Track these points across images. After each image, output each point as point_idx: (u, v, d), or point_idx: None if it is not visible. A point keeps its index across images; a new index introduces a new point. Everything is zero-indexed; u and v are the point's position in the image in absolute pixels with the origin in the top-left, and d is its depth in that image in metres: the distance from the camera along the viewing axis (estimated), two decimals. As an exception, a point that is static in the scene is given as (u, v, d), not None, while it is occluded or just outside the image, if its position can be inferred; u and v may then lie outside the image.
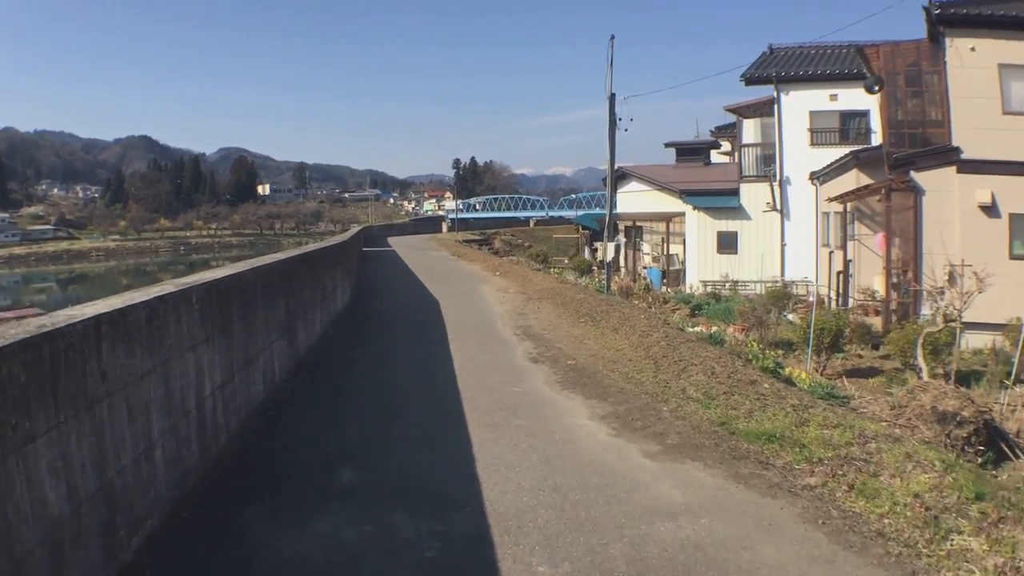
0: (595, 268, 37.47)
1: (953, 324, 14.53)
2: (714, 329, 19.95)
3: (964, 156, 20.74)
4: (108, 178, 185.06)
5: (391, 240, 59.58)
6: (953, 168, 20.85)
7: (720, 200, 34.53)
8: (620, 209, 43.19)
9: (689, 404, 8.38)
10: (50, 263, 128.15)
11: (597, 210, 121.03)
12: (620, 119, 24.39)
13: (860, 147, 27.68)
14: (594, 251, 45.84)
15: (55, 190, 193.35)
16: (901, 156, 21.50)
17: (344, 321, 15.19)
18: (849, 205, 25.32)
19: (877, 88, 22.72)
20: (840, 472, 6.33)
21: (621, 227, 42.40)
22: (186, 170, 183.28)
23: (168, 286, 5.69)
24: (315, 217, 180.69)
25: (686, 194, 35.11)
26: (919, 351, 13.58)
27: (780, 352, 17.64)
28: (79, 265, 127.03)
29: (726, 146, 46.23)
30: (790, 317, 23.94)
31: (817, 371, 15.87)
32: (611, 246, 23.72)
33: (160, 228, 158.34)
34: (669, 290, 32.62)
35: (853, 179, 24.81)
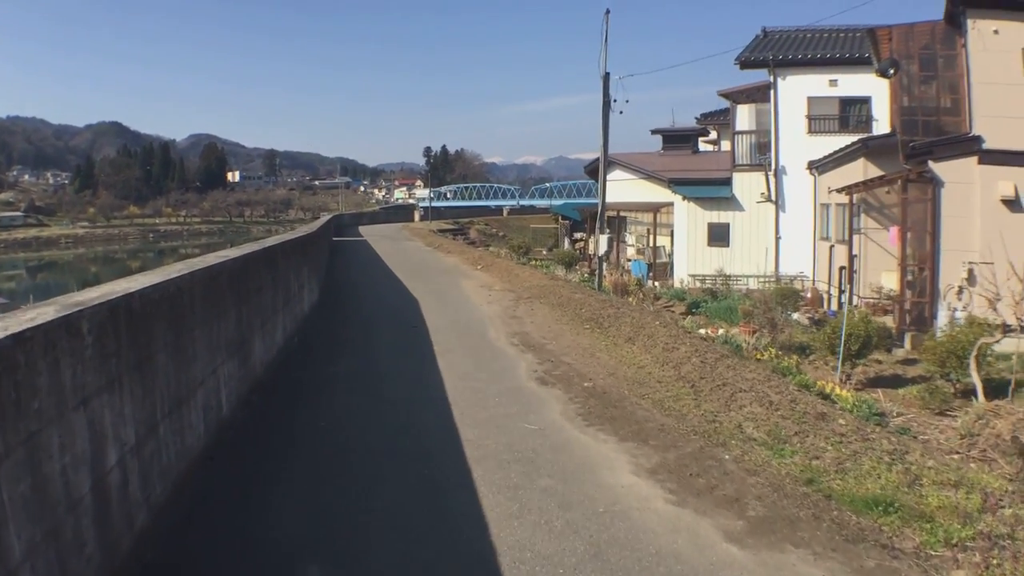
0: (580, 261, 35.68)
1: (1013, 333, 12.82)
2: (720, 331, 18.32)
3: (985, 146, 19.19)
4: (78, 164, 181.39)
5: (363, 229, 57.33)
6: (974, 159, 19.29)
7: (711, 189, 32.88)
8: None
9: (755, 450, 6.60)
10: (19, 250, 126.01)
11: (576, 199, 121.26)
12: (615, 100, 22.51)
13: (867, 135, 26.32)
14: (574, 242, 44.00)
15: (26, 176, 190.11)
16: (919, 145, 19.86)
17: (312, 326, 13.16)
18: (856, 197, 23.80)
19: (893, 72, 21.10)
20: (994, 561, 4.61)
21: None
22: (156, 156, 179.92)
23: (47, 310, 3.78)
24: (285, 205, 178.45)
25: (675, 183, 33.43)
26: (973, 367, 11.84)
27: (795, 357, 16.03)
28: (48, 252, 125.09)
29: (712, 134, 44.67)
30: (795, 316, 22.38)
31: (844, 382, 14.23)
32: (603, 239, 21.85)
33: (129, 215, 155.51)
34: (656, 284, 30.95)
35: (860, 169, 23.40)
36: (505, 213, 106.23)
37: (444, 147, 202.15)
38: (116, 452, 4.20)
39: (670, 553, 4.60)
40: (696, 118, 48.29)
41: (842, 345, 15.19)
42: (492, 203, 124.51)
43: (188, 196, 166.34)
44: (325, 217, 42.22)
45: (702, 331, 16.78)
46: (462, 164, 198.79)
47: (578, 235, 44.26)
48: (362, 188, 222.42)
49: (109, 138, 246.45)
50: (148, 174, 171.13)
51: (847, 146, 24.50)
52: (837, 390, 11.79)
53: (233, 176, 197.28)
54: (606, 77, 22.35)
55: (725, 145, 43.05)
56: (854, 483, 5.69)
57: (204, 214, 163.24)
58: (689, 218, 32.96)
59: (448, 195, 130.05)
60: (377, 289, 19.09)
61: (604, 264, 22.62)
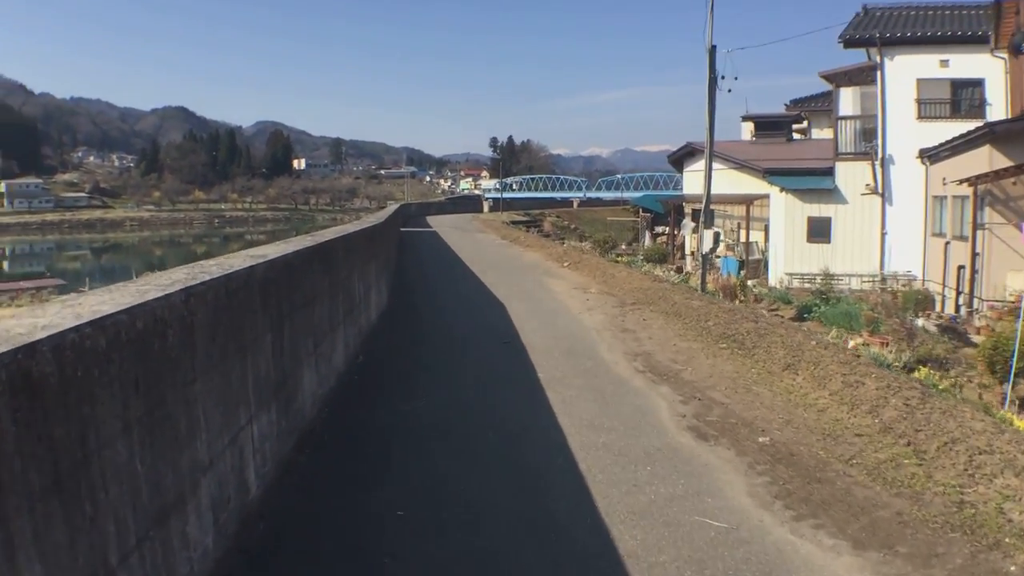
0: (671, 257, 32.84)
1: None
2: (860, 342, 15.59)
3: None
4: (143, 148, 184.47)
5: (431, 220, 55.05)
6: None
7: (812, 181, 29.80)
8: (686, 190, 38.52)
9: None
10: (84, 231, 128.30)
11: (644, 191, 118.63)
12: (723, 77, 19.68)
13: (984, 120, 23.37)
14: (655, 236, 41.12)
15: (91, 158, 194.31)
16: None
17: (380, 341, 10.64)
18: (980, 188, 20.88)
19: (1025, 47, 18.03)
20: None
21: (688, 210, 37.70)
22: (222, 142, 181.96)
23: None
24: (350, 193, 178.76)
25: (771, 174, 30.45)
26: None
27: (936, 374, 13.27)
28: (113, 234, 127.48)
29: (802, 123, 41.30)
30: (920, 323, 19.47)
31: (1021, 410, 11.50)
32: (709, 235, 19.08)
33: (195, 200, 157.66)
34: (750, 283, 28.05)
35: (984, 157, 20.53)
36: (575, 205, 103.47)
37: (511, 138, 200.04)
38: None
39: None
40: (786, 104, 44.94)
41: (1013, 363, 12.55)
42: (558, 195, 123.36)
43: (254, 183, 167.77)
44: (392, 206, 40.05)
45: (829, 338, 14.10)
46: (528, 155, 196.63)
47: (660, 229, 41.36)
48: (428, 178, 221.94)
49: (175, 123, 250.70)
50: (214, 159, 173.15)
51: (968, 132, 21.68)
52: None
53: (299, 164, 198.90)
54: (712, 50, 19.60)
55: (816, 133, 39.87)
56: None
57: (269, 201, 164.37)
58: (787, 212, 30.00)
59: (514, 186, 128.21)
60: (455, 290, 16.55)
61: (708, 264, 19.84)
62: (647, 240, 40.03)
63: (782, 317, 19.52)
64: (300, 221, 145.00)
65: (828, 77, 31.69)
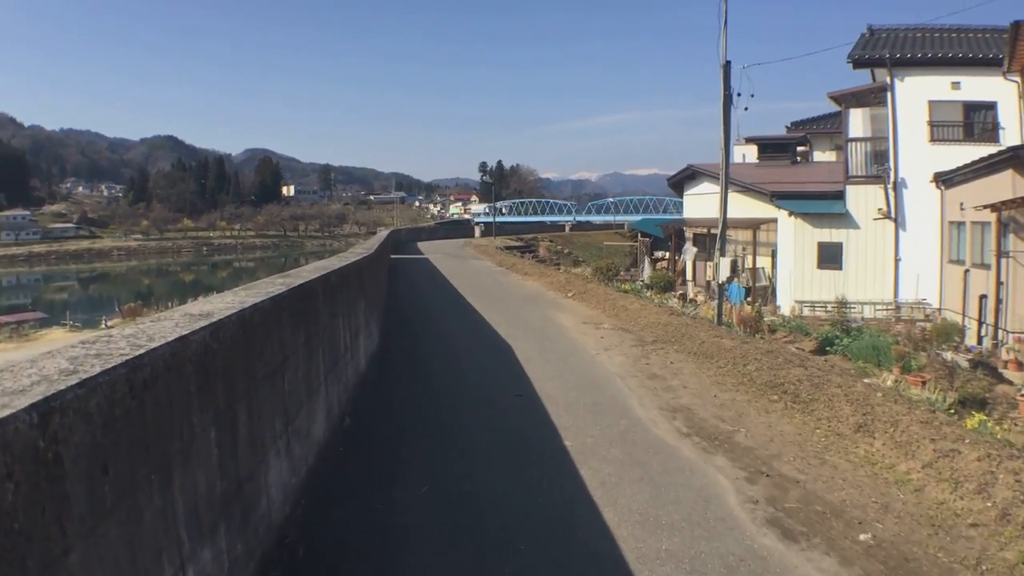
0: (675, 284, 31.37)
1: None
2: (924, 392, 14.16)
3: None
4: (132, 177, 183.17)
5: (422, 246, 53.44)
6: None
7: (822, 205, 28.65)
8: (688, 214, 37.22)
9: None
10: (71, 262, 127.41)
11: (636, 215, 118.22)
12: (739, 94, 18.36)
13: (1002, 145, 22.93)
14: (655, 261, 39.72)
15: (80, 188, 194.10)
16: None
17: (369, 398, 8.95)
18: (1004, 214, 19.82)
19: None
20: None
21: (689, 234, 36.38)
22: (210, 170, 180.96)
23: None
24: (340, 219, 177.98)
25: (778, 197, 29.30)
26: None
27: (977, 414, 11.91)
28: (100, 264, 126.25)
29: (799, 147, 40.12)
30: (948, 356, 18.13)
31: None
32: (725, 263, 17.58)
33: (183, 228, 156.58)
34: (760, 311, 26.69)
35: (1008, 183, 19.55)
36: (567, 229, 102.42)
37: (500, 163, 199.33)
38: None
39: None
40: (787, 127, 43.92)
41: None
42: (547, 219, 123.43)
43: (242, 210, 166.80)
44: (383, 232, 38.54)
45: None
46: (518, 179, 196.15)
47: (659, 253, 39.97)
48: (417, 203, 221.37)
49: (164, 152, 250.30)
50: (202, 187, 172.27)
51: (989, 156, 20.87)
52: None
53: (288, 190, 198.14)
54: (726, 66, 18.27)
55: (818, 156, 38.76)
56: None
57: (258, 228, 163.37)
58: (796, 237, 28.82)
59: (504, 210, 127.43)
60: (454, 327, 14.84)
61: (723, 294, 18.35)
62: (646, 266, 38.64)
63: (802, 350, 18.16)
64: (289, 248, 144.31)
65: (837, 98, 30.61)
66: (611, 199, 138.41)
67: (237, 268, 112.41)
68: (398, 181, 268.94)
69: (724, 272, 17.38)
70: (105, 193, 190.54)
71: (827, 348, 19.12)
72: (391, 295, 19.96)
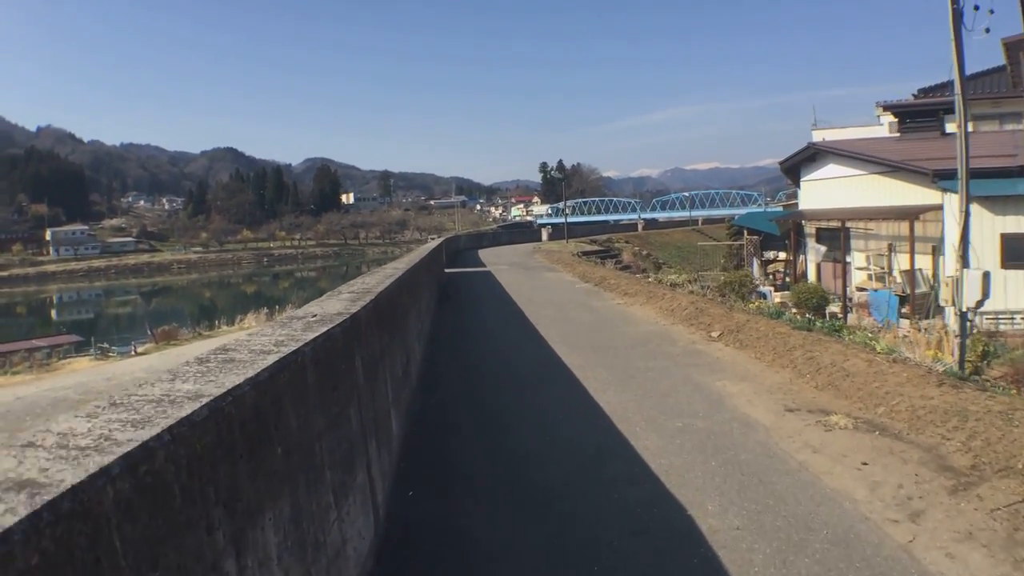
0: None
1: None
2: None
3: None
4: (191, 189, 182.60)
5: (483, 254, 46.84)
6: None
7: (1002, 185, 21.74)
8: (806, 204, 30.38)
9: None
10: (131, 276, 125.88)
11: (700, 211, 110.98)
12: (976, 7, 11.79)
13: None
14: (765, 264, 32.89)
15: (141, 202, 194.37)
16: None
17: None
18: None
19: None
20: None
21: (810, 229, 29.49)
22: (269, 180, 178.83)
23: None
24: (400, 225, 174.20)
25: (942, 177, 22.29)
26: None
27: None
28: (160, 278, 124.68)
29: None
30: None
31: None
32: (976, 276, 10.76)
33: (242, 239, 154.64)
34: (917, 325, 19.89)
35: None
36: (640, 228, 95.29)
37: (560, 162, 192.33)
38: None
39: None
40: (914, 94, 36.67)
41: None
42: (611, 217, 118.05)
43: (302, 219, 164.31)
44: (433, 242, 32.34)
45: None
46: (580, 179, 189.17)
47: (769, 254, 33.05)
48: (478, 207, 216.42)
49: (224, 164, 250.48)
50: (261, 198, 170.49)
51: None
52: None
53: (348, 198, 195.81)
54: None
55: (949, 127, 31.48)
56: None
57: (319, 237, 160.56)
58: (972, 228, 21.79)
59: (568, 211, 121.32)
60: (541, 417, 8.08)
61: (967, 324, 11.33)
62: (755, 268, 31.88)
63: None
64: (350, 256, 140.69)
65: (1012, 43, 23.58)
66: (673, 195, 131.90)
67: (299, 278, 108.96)
68: (458, 185, 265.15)
69: (975, 291, 10.73)
70: (166, 206, 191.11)
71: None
72: (438, 332, 13.73)
